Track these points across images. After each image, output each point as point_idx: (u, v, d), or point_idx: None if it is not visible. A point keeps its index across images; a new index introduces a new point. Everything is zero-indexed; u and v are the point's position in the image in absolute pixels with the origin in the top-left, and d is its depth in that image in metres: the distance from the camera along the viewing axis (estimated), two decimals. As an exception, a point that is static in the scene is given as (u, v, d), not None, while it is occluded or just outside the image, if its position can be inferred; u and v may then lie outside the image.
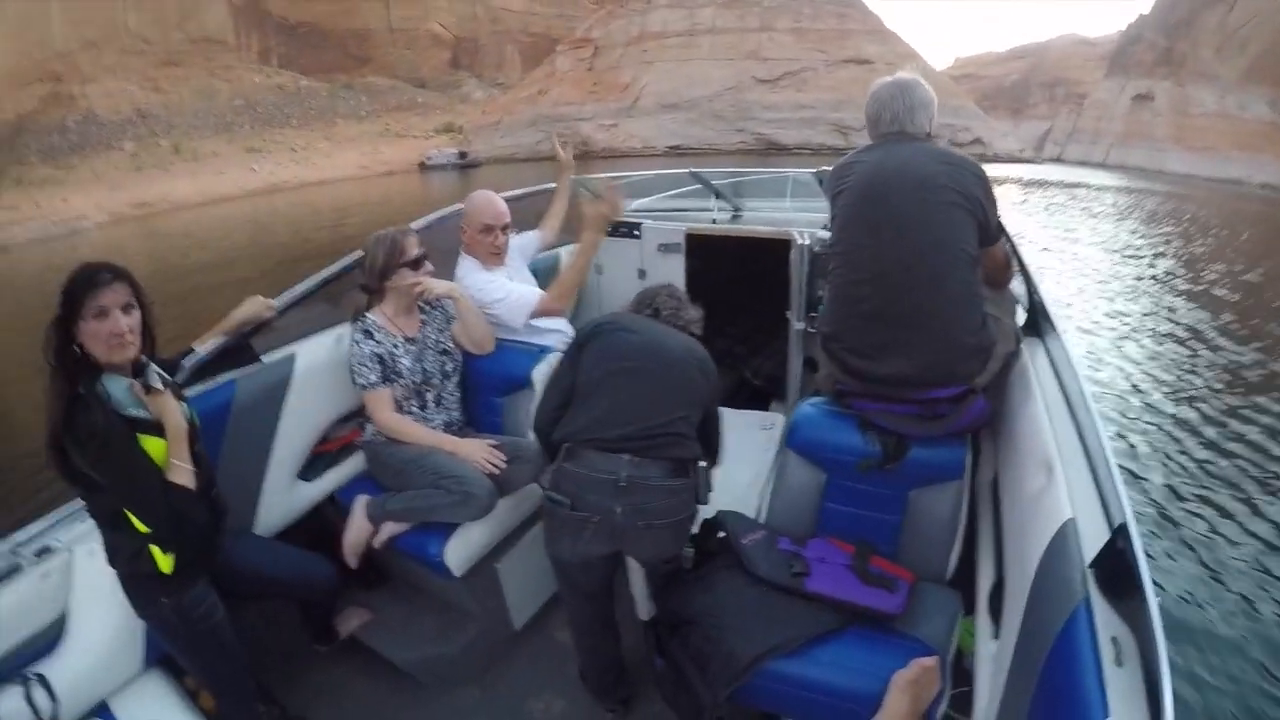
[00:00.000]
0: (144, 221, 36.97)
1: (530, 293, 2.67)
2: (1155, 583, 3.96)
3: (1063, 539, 1.23)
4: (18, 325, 11.03)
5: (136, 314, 1.61)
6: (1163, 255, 14.31)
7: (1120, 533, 1.07)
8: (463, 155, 61.38)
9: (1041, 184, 34.86)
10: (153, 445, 1.62)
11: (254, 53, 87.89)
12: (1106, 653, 0.97)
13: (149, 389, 1.61)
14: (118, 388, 1.59)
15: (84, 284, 1.53)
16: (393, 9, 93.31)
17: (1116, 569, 1.05)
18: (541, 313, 2.65)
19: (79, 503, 1.74)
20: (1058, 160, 75.27)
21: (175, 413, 1.65)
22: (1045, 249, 13.74)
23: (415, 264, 2.37)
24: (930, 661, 1.53)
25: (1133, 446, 5.28)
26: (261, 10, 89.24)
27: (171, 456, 1.63)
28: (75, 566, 1.73)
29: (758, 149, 60.19)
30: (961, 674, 1.71)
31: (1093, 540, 1.15)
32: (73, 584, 1.73)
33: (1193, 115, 72.50)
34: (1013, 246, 2.26)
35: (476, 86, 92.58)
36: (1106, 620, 1.03)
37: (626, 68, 66.81)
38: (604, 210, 2.73)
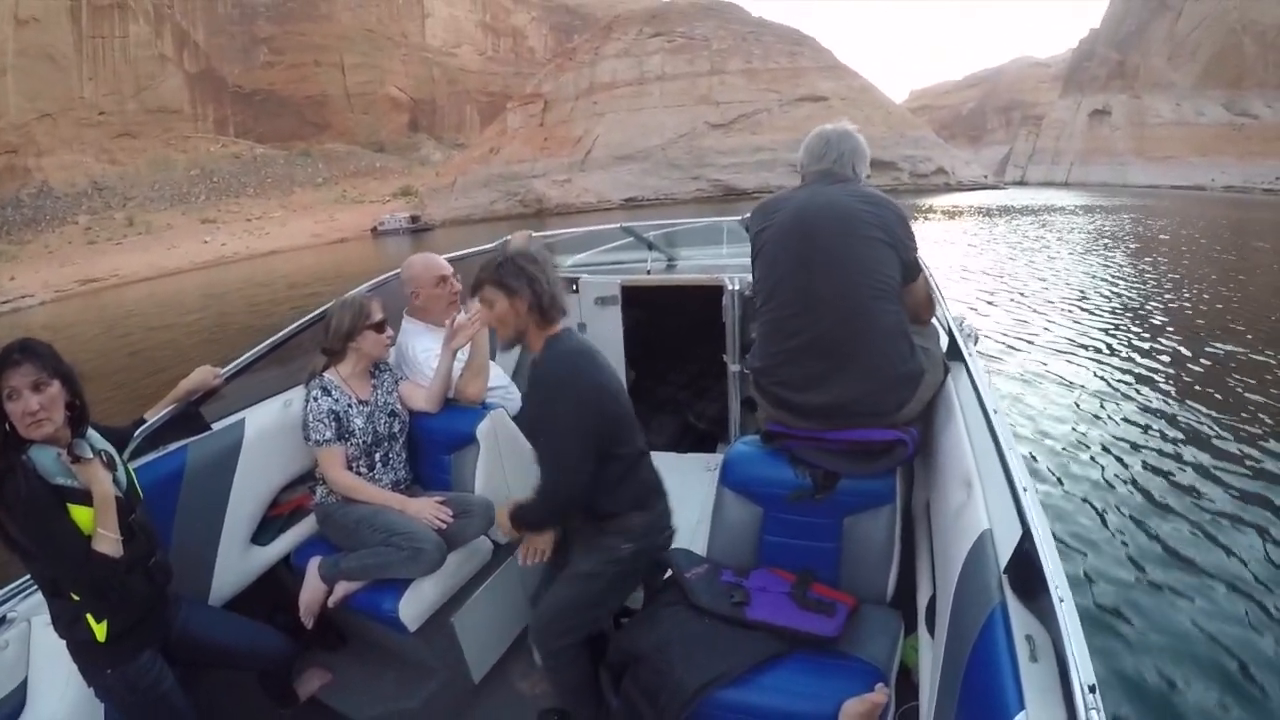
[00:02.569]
0: (91, 298, 35.50)
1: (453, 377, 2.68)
2: (1086, 577, 3.85)
3: (980, 548, 1.30)
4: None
5: (53, 388, 1.62)
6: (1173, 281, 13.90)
7: (1027, 538, 1.11)
8: (414, 219, 60.08)
9: (1006, 212, 33.80)
10: (81, 514, 1.64)
11: (210, 122, 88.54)
12: (1022, 650, 1.03)
13: (77, 458, 1.63)
14: (46, 457, 1.62)
15: None
16: (349, 75, 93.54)
17: (1027, 572, 1.10)
18: (456, 397, 2.64)
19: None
20: (1020, 183, 75.44)
21: (103, 482, 1.67)
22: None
23: (379, 326, 2.45)
24: (880, 697, 1.58)
25: (1053, 457, 5.54)
26: (217, 79, 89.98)
27: (98, 525, 1.65)
28: (34, 636, 1.76)
29: (715, 195, 59.01)
30: (910, 689, 1.74)
31: (1008, 548, 1.20)
32: (31, 654, 1.76)
33: (1150, 125, 72.85)
34: (932, 280, 2.33)
35: (435, 148, 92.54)
36: (1021, 620, 1.08)
37: (578, 121, 65.99)
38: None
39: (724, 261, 3.90)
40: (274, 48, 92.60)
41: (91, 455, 1.66)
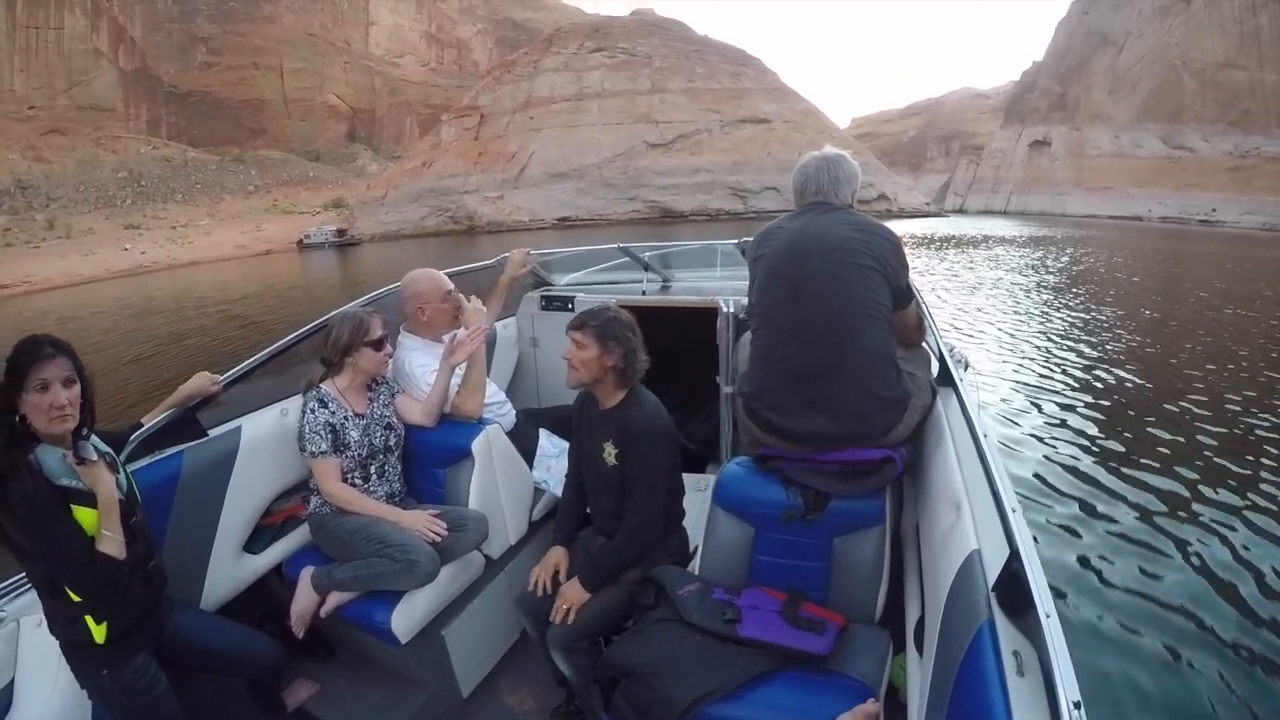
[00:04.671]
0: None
1: (450, 392, 2.68)
2: (1073, 595, 3.84)
3: (969, 567, 1.32)
4: None
5: (77, 388, 1.65)
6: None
7: (1014, 557, 1.13)
8: (340, 233, 57.12)
9: (948, 243, 32.65)
10: (85, 515, 1.65)
11: (143, 122, 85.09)
12: (1009, 665, 1.05)
13: (82, 460, 1.64)
14: (52, 457, 1.63)
15: (28, 356, 1.59)
16: (288, 80, 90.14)
17: (1014, 589, 1.12)
18: (453, 413, 2.65)
19: (21, 574, 1.77)
20: (960, 211, 75.64)
21: (107, 484, 1.68)
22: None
23: (377, 344, 2.46)
24: (872, 707, 1.61)
25: (1038, 477, 5.54)
26: (152, 77, 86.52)
27: (102, 527, 1.66)
28: (21, 636, 1.76)
29: (651, 217, 57.38)
30: (899, 709, 1.78)
31: (996, 567, 1.22)
32: (19, 654, 1.76)
33: (1089, 157, 73.58)
34: (924, 305, 2.36)
35: (372, 159, 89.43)
36: (1008, 636, 1.10)
37: (513, 136, 63.82)
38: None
39: (717, 284, 3.84)
40: (212, 48, 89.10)
41: (96, 457, 1.66)
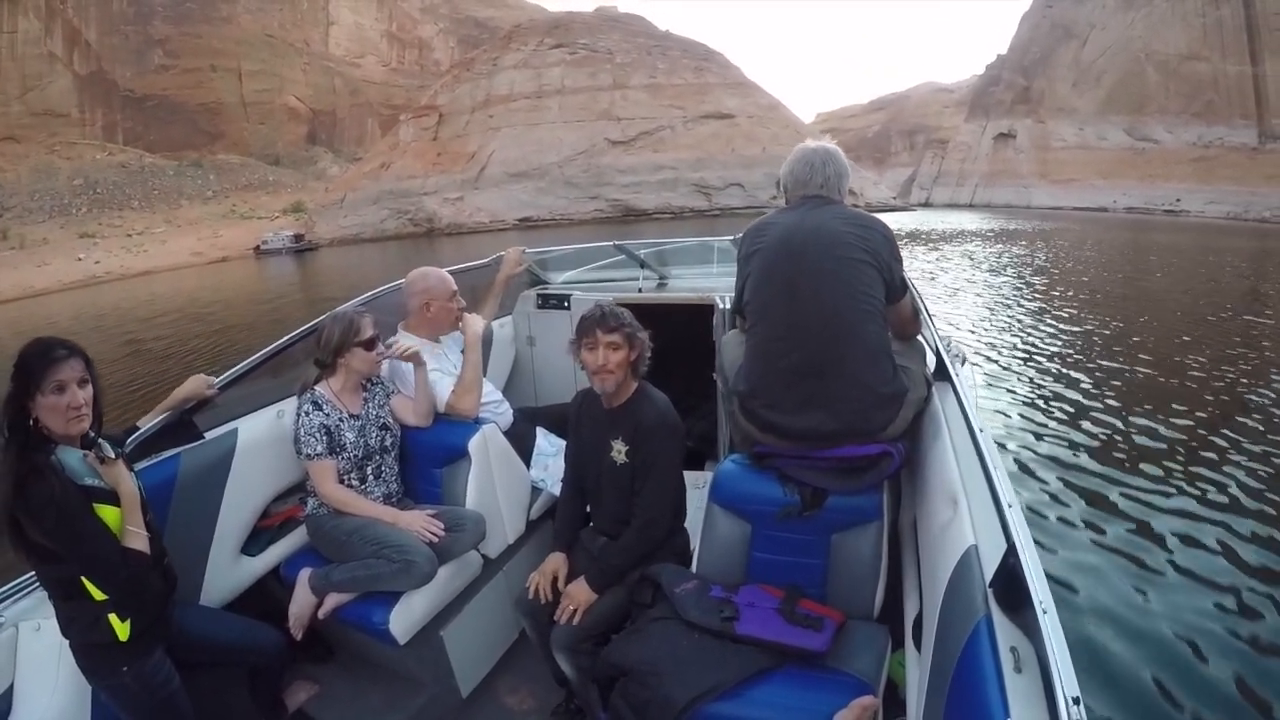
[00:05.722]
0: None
1: (443, 391, 2.67)
2: (1072, 590, 3.86)
3: (966, 563, 1.32)
4: None
5: (90, 388, 1.67)
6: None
7: (1011, 552, 1.13)
8: (298, 238, 55.86)
9: (917, 239, 31.76)
10: (108, 514, 1.68)
11: (99, 127, 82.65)
12: (1006, 661, 1.05)
13: (104, 459, 1.68)
14: (72, 458, 1.65)
15: (41, 359, 1.60)
16: (247, 82, 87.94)
17: (1011, 585, 1.12)
18: (449, 412, 2.65)
19: (21, 578, 1.79)
20: (926, 204, 75.70)
21: (129, 481, 1.73)
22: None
23: (369, 344, 2.45)
24: (869, 701, 1.62)
25: (1036, 472, 5.53)
26: (108, 82, 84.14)
27: (127, 524, 1.69)
28: (21, 641, 1.77)
29: (614, 216, 56.49)
30: (898, 705, 1.79)
31: (993, 562, 1.22)
32: (18, 659, 1.76)
33: (1054, 149, 73.91)
34: (919, 298, 2.35)
35: (333, 162, 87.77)
36: (1006, 632, 1.10)
37: (473, 135, 62.58)
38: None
39: (714, 281, 3.81)
40: (169, 50, 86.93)
41: (115, 456, 1.70)
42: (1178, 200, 59.25)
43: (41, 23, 78.12)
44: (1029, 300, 14.07)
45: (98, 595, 1.63)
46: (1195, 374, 8.18)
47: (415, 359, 2.54)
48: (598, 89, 63.80)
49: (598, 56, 65.75)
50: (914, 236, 32.69)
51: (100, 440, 1.68)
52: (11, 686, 1.73)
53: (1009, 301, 13.87)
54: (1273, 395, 7.23)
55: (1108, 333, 10.61)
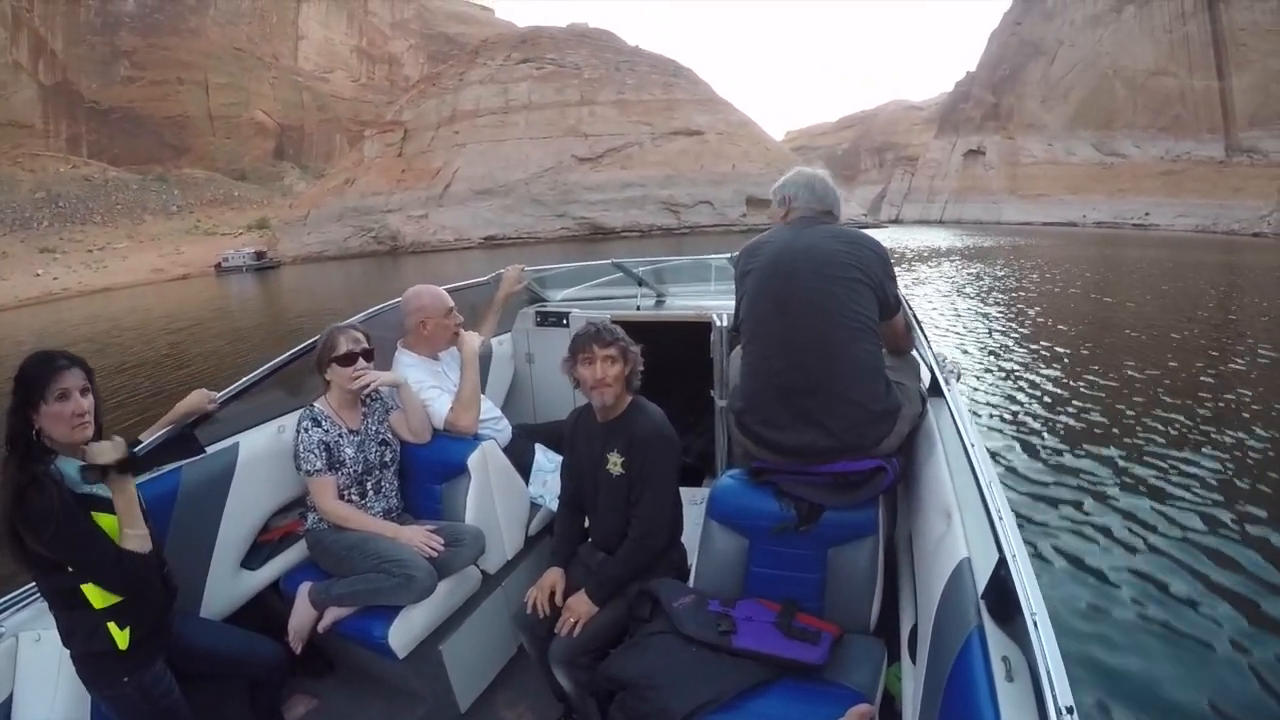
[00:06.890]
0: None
1: (441, 408, 2.70)
2: (1068, 599, 3.87)
3: (959, 575, 1.34)
4: None
5: (91, 397, 1.69)
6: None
7: (1002, 563, 1.15)
8: (259, 256, 54.75)
9: (893, 260, 30.74)
10: (106, 521, 1.69)
11: (63, 139, 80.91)
12: (999, 671, 1.06)
13: (103, 467, 1.69)
14: (71, 468, 1.66)
15: (45, 367, 1.62)
16: (214, 95, 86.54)
17: (1002, 596, 1.14)
18: (448, 428, 2.67)
19: (20, 590, 1.81)
20: (896, 221, 75.93)
21: (128, 483, 1.73)
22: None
23: (344, 360, 2.43)
24: (865, 709, 1.62)
25: (1029, 485, 5.53)
26: (73, 93, 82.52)
27: (124, 525, 1.69)
28: (20, 651, 1.78)
29: (581, 234, 55.66)
30: (894, 717, 1.80)
31: (986, 574, 1.24)
32: (17, 669, 1.78)
33: (1024, 165, 74.38)
34: (912, 314, 2.37)
35: (300, 177, 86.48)
36: (997, 642, 1.12)
37: (438, 151, 61.65)
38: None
39: (711, 299, 3.86)
40: (136, 62, 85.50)
41: (116, 456, 1.71)
42: (1147, 214, 59.71)
43: (6, 31, 76.73)
44: (1009, 319, 14.03)
45: (98, 604, 1.64)
46: (1183, 385, 8.23)
47: (385, 388, 2.52)
48: (565, 105, 63.16)
49: (565, 72, 65.17)
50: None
51: (90, 445, 1.66)
52: (11, 697, 1.74)
53: (990, 319, 13.87)
54: (1263, 408, 7.25)
55: (1099, 349, 10.68)
